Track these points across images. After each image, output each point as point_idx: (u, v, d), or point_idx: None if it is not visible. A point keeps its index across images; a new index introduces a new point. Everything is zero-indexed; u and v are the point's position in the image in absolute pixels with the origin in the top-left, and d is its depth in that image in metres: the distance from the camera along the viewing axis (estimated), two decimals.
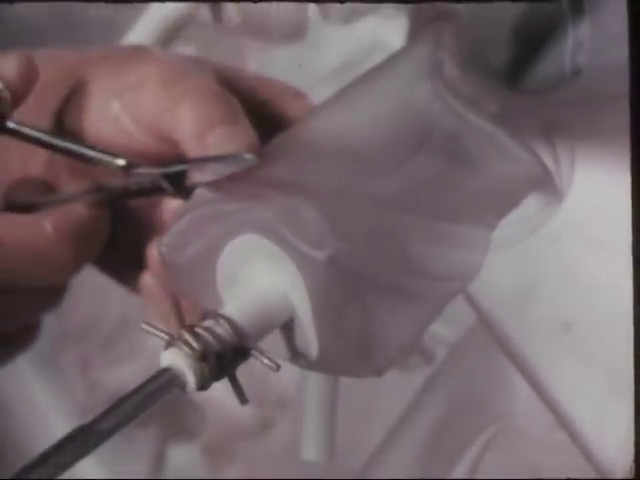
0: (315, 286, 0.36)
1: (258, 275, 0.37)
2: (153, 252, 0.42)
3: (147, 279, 0.43)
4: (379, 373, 0.37)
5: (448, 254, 0.40)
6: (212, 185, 0.37)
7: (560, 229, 0.46)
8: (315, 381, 0.73)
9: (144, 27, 0.68)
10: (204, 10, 0.68)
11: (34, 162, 0.42)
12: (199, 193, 0.37)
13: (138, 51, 0.44)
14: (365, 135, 0.42)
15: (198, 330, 0.35)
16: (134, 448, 0.82)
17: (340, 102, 0.43)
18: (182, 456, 0.84)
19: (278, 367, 0.35)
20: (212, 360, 0.34)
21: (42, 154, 0.41)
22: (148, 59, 0.42)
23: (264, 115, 0.43)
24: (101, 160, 0.40)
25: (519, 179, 0.44)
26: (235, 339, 0.35)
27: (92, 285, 0.77)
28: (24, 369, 0.85)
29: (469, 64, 0.46)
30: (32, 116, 0.40)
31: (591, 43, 0.48)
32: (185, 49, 0.67)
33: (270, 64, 0.67)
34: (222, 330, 0.35)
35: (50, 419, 0.84)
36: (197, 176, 0.39)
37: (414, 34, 0.53)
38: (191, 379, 0.34)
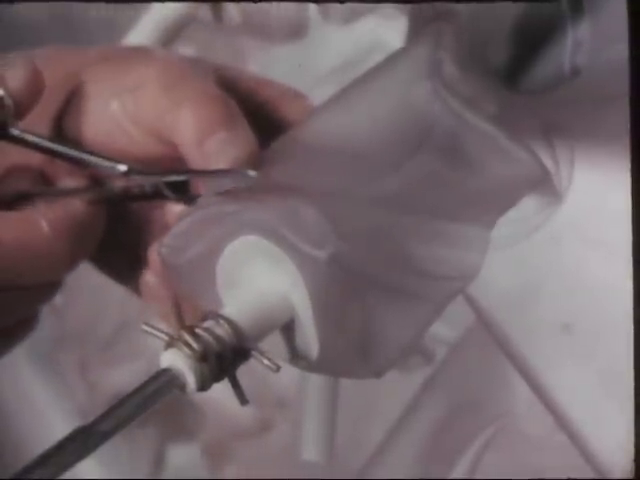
0: (316, 286, 0.36)
1: (258, 276, 0.37)
2: (154, 253, 0.42)
3: (149, 278, 0.43)
4: (379, 374, 0.37)
5: (448, 254, 0.40)
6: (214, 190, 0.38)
7: (560, 230, 0.46)
8: (315, 382, 0.73)
9: (145, 27, 0.68)
10: (204, 10, 0.68)
11: (35, 152, 0.41)
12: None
13: (138, 52, 0.44)
14: (365, 135, 0.42)
15: (198, 331, 0.35)
16: (134, 448, 0.82)
17: (340, 102, 0.43)
18: (182, 456, 0.84)
19: (278, 368, 0.35)
20: (212, 361, 0.34)
21: None
22: (148, 60, 0.42)
23: (264, 116, 0.43)
24: (103, 166, 0.40)
25: (518, 179, 0.44)
26: (235, 340, 0.35)
27: (91, 287, 0.78)
28: (23, 370, 0.85)
29: (468, 64, 0.46)
30: (31, 120, 0.40)
31: (590, 43, 0.48)
32: (185, 49, 0.67)
33: (270, 64, 0.67)
34: (222, 331, 0.35)
35: (49, 419, 0.84)
36: (200, 185, 0.39)
37: (414, 34, 0.53)
38: (191, 380, 0.34)
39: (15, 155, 0.42)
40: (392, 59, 0.46)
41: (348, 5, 0.64)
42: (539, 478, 0.57)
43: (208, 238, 0.38)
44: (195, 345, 0.34)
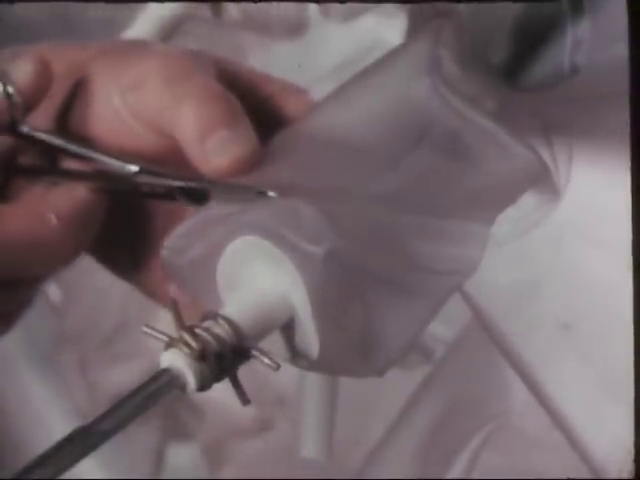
0: (314, 283, 0.36)
1: (258, 276, 0.37)
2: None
3: (154, 275, 0.43)
4: (381, 372, 0.37)
5: (447, 249, 0.40)
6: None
7: (558, 228, 0.46)
8: (314, 379, 0.73)
9: (141, 26, 0.68)
10: (204, 6, 0.68)
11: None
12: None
13: (138, 45, 0.44)
14: (364, 131, 0.42)
15: (197, 331, 0.35)
16: (134, 448, 0.82)
17: (339, 99, 0.43)
18: (181, 456, 0.84)
19: (278, 366, 0.35)
20: (211, 360, 0.34)
21: None
22: (149, 53, 0.42)
23: (265, 111, 0.43)
24: (114, 166, 0.39)
25: (517, 175, 0.44)
26: (235, 339, 0.35)
27: (91, 286, 0.78)
28: (23, 369, 0.85)
29: (468, 61, 0.46)
30: (36, 115, 0.40)
31: (590, 42, 0.48)
32: (184, 45, 0.67)
33: (270, 61, 0.67)
34: (221, 330, 0.35)
35: (49, 419, 0.84)
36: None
37: (414, 32, 0.53)
38: (191, 380, 0.34)
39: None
40: (392, 55, 0.46)
41: (348, 4, 0.64)
42: (538, 478, 0.57)
43: (208, 239, 0.38)
44: (194, 344, 0.34)
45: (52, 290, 0.80)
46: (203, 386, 0.34)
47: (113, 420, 0.32)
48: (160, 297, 0.44)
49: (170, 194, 0.39)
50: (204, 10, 0.68)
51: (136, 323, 0.80)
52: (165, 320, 0.36)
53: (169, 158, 0.41)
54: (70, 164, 0.41)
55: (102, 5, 0.63)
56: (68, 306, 0.81)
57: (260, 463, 0.80)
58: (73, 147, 0.40)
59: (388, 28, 0.63)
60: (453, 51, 0.46)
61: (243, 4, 0.67)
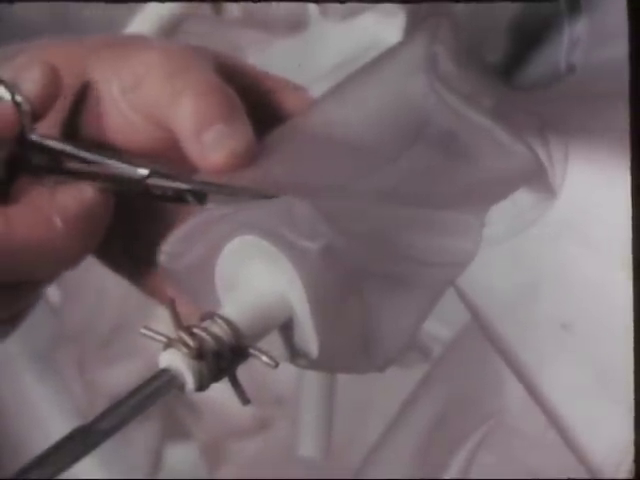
0: (310, 279, 0.36)
1: (256, 276, 0.37)
2: None
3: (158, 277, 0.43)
4: (382, 368, 0.37)
5: (443, 241, 0.40)
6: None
7: (554, 227, 0.46)
8: (312, 378, 0.73)
9: (141, 26, 0.68)
10: (204, 6, 0.68)
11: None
12: None
13: (138, 39, 0.44)
14: (362, 128, 0.42)
15: (195, 330, 0.35)
16: (132, 448, 0.82)
17: (337, 96, 0.43)
18: (180, 456, 0.84)
19: (277, 364, 0.35)
20: (209, 359, 0.34)
21: None
22: (149, 47, 0.42)
23: (263, 107, 0.43)
24: (124, 170, 0.39)
25: (513, 171, 0.44)
26: (233, 339, 0.35)
27: (89, 286, 0.78)
28: (21, 369, 0.85)
29: (465, 59, 0.47)
30: (42, 120, 0.40)
31: (587, 41, 0.48)
32: (184, 42, 0.67)
33: (269, 59, 0.67)
34: (219, 329, 0.35)
35: (47, 418, 0.84)
36: None
37: (412, 30, 0.53)
38: (189, 379, 0.34)
39: None
40: (389, 53, 0.46)
41: (347, 3, 0.64)
42: (536, 478, 0.57)
43: (206, 241, 0.37)
44: (191, 343, 0.34)
45: (51, 290, 0.80)
46: (202, 386, 0.34)
47: (112, 420, 0.33)
48: (160, 296, 0.44)
49: (181, 196, 0.39)
50: (204, 9, 0.68)
51: (134, 323, 0.80)
52: (164, 319, 0.36)
53: (168, 152, 0.41)
54: (78, 166, 0.41)
55: (100, 5, 0.63)
56: (66, 306, 0.81)
57: (259, 463, 0.80)
58: (83, 153, 0.40)
59: (387, 27, 0.63)
60: (450, 49, 0.46)
61: (243, 2, 0.67)
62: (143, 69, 0.40)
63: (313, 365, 0.37)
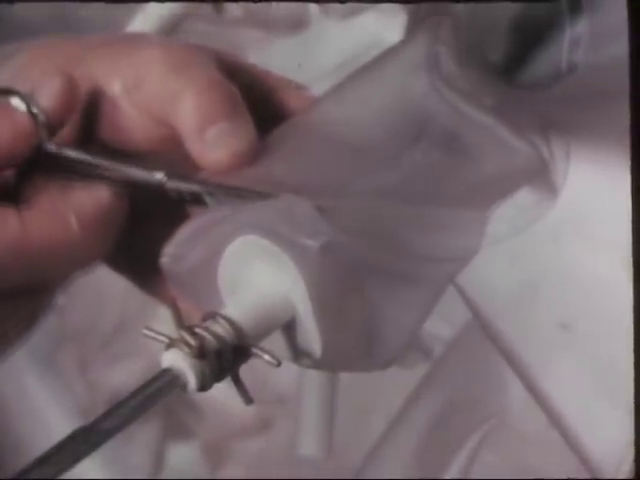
0: (312, 277, 0.35)
1: (258, 276, 0.37)
2: None
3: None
4: (385, 366, 0.37)
5: (446, 238, 0.40)
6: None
7: (556, 226, 0.46)
8: (313, 378, 0.73)
9: (141, 26, 0.68)
10: (204, 6, 0.68)
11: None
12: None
13: (139, 36, 0.44)
14: (363, 127, 0.42)
15: (196, 329, 0.35)
16: (134, 448, 0.82)
17: (338, 95, 0.43)
18: (182, 455, 0.84)
19: (279, 363, 0.35)
20: (211, 358, 0.34)
21: None
22: (150, 44, 0.42)
23: (265, 105, 0.43)
24: (141, 175, 0.39)
25: (515, 169, 0.44)
26: (235, 338, 0.35)
27: (91, 286, 0.78)
28: (23, 368, 0.85)
29: (466, 59, 0.47)
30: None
31: (588, 40, 0.48)
32: (185, 41, 0.67)
33: (270, 59, 0.67)
34: (220, 328, 0.35)
35: (48, 418, 0.84)
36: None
37: (413, 30, 0.53)
38: (192, 379, 0.34)
39: None
40: (390, 52, 0.46)
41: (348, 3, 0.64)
42: (536, 478, 0.57)
43: (207, 243, 0.37)
44: (193, 342, 0.34)
45: None
46: (204, 385, 0.34)
47: (114, 420, 0.33)
48: (161, 296, 0.43)
49: (198, 199, 0.39)
50: (204, 9, 0.68)
51: (136, 322, 0.80)
52: (165, 319, 0.36)
53: (170, 150, 0.41)
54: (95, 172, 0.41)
55: (100, 5, 0.63)
56: (68, 305, 0.81)
57: (261, 462, 0.80)
58: (100, 161, 0.40)
59: (387, 26, 0.63)
60: (451, 48, 0.46)
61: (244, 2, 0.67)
62: (144, 66, 0.40)
63: (316, 364, 0.37)
